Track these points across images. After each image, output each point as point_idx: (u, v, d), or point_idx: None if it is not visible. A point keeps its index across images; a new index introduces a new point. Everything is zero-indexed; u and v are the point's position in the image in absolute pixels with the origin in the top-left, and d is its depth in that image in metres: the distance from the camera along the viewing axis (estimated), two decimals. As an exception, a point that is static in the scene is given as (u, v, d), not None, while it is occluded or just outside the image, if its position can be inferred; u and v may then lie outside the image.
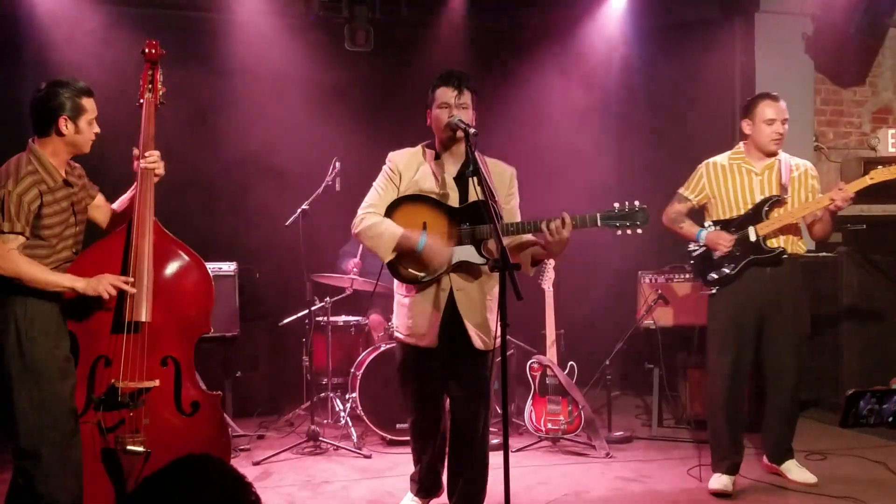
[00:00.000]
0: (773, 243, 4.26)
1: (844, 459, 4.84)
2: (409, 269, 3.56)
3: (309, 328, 5.47)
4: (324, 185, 5.28)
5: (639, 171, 6.58)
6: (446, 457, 3.80)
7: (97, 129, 3.38)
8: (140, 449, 3.28)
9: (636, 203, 3.42)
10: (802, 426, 5.50)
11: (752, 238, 4.24)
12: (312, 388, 5.44)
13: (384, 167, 3.71)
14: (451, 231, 3.53)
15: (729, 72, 6.75)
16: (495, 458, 3.76)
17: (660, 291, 5.50)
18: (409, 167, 3.65)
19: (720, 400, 4.33)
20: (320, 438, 5.07)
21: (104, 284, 3.25)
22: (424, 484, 3.93)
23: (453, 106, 3.52)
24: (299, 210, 5.17)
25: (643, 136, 6.82)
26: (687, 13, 6.80)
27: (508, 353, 5.42)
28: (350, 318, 5.85)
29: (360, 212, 3.64)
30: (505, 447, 3.14)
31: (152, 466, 3.30)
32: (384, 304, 6.03)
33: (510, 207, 3.67)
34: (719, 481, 4.28)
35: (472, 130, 3.35)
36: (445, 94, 3.55)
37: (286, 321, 5.83)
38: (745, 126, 4.37)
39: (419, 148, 3.73)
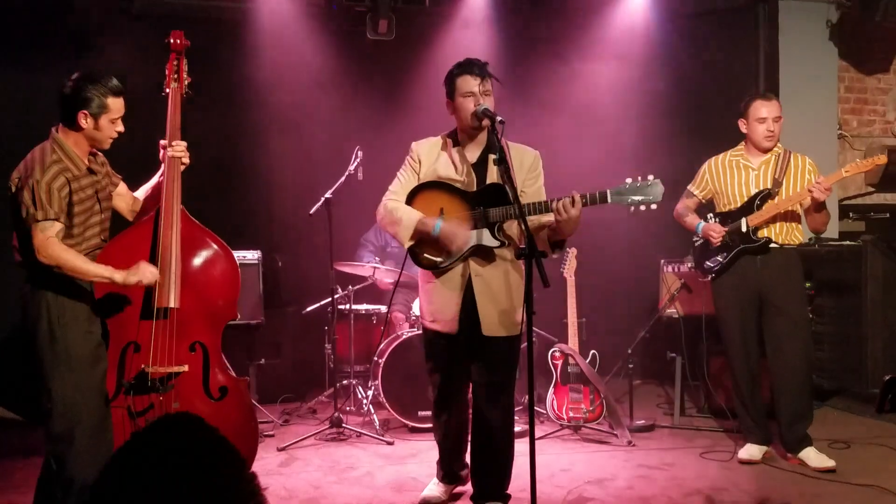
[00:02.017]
0: (761, 234, 4.54)
1: (868, 448, 4.83)
2: (428, 256, 3.59)
3: (332, 316, 5.50)
4: (346, 173, 5.30)
5: (662, 157, 6.55)
6: (470, 445, 3.83)
7: (120, 129, 3.40)
8: (170, 433, 3.32)
9: (650, 177, 3.38)
10: (825, 415, 5.54)
11: (744, 229, 4.54)
12: (335, 375, 5.48)
13: (407, 156, 3.75)
14: (467, 216, 3.56)
15: (752, 59, 6.72)
16: (519, 446, 3.81)
17: (683, 280, 5.50)
18: (429, 155, 3.70)
19: (737, 378, 4.68)
20: (343, 425, 5.11)
21: (143, 272, 3.28)
22: (449, 470, 3.96)
23: (479, 94, 3.53)
24: (322, 199, 5.19)
25: (666, 123, 6.78)
26: (712, 0, 6.76)
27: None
28: (371, 306, 5.88)
29: (383, 199, 3.69)
30: (531, 434, 3.16)
31: (182, 451, 3.35)
32: (405, 295, 6.07)
33: (534, 190, 3.67)
34: (748, 451, 4.61)
35: (499, 118, 3.36)
36: (468, 82, 3.55)
37: (309, 309, 5.86)
38: (741, 125, 4.65)
39: (441, 137, 3.76)
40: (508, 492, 3.77)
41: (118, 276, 3.25)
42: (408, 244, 3.58)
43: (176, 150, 3.55)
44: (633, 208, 3.36)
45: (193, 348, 3.51)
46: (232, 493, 1.19)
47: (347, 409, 5.55)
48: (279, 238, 6.37)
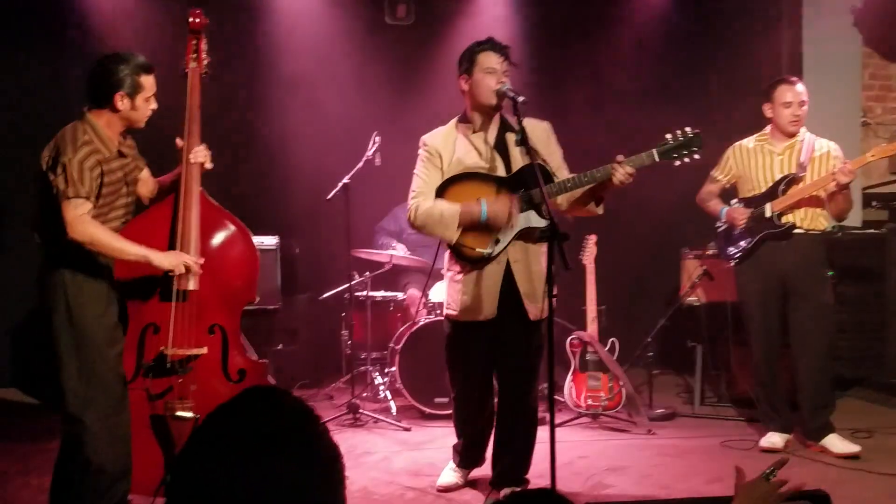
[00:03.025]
0: (786, 219, 4.48)
1: (891, 438, 4.76)
2: (477, 249, 3.51)
3: (349, 303, 5.48)
4: (364, 159, 5.26)
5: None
6: (493, 429, 3.79)
7: (154, 106, 3.38)
8: (189, 415, 3.31)
9: (688, 129, 3.39)
10: (847, 405, 5.46)
11: (767, 214, 4.49)
12: (353, 361, 5.46)
13: (420, 152, 3.66)
14: (506, 195, 3.51)
15: (776, 44, 6.62)
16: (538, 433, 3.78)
17: (705, 267, 5.44)
18: (446, 146, 3.61)
19: (760, 365, 4.65)
20: (360, 411, 5.09)
21: (181, 260, 3.27)
22: (467, 455, 3.93)
23: (500, 72, 3.48)
24: (340, 184, 5.16)
25: (687, 108, 6.70)
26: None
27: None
28: (388, 293, 5.85)
29: (411, 202, 3.60)
30: (551, 420, 3.13)
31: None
32: (420, 279, 6.04)
33: (557, 163, 3.62)
34: (769, 439, 4.57)
35: (521, 99, 3.31)
36: (490, 59, 3.50)
37: (326, 295, 5.84)
38: (766, 109, 4.60)
39: (451, 124, 3.68)
40: (526, 476, 3.74)
41: (154, 256, 3.23)
42: (455, 237, 3.50)
43: (197, 156, 3.49)
44: (678, 162, 3.34)
45: (212, 330, 3.49)
46: (315, 461, 1.18)
47: (364, 395, 5.54)
48: (295, 224, 6.35)
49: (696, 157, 3.37)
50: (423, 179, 3.60)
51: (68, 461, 3.27)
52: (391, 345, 5.46)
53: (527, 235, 3.54)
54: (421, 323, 5.29)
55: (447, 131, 3.64)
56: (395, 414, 5.16)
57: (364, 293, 5.59)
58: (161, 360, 3.36)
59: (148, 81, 3.33)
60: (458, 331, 3.70)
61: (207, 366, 3.45)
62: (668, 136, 3.39)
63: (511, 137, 3.54)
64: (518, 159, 3.54)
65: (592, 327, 5.21)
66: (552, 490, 1.48)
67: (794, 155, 4.51)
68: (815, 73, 6.48)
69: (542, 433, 3.62)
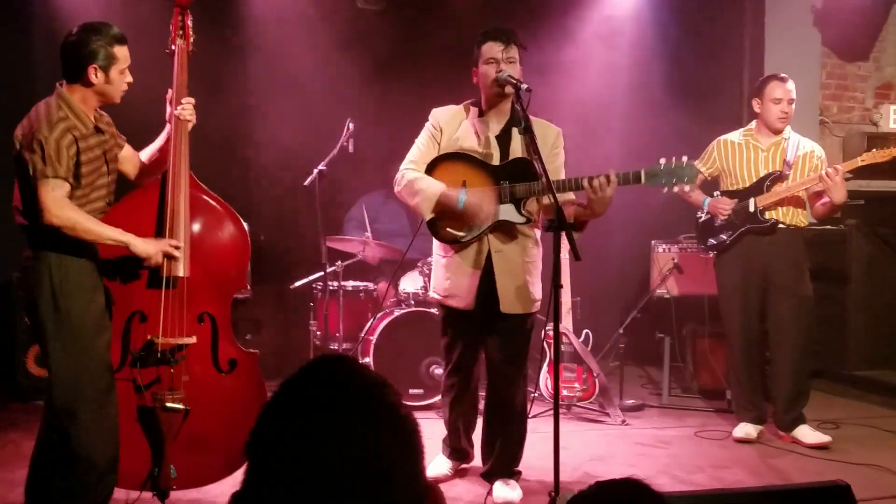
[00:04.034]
0: (770, 215, 4.56)
1: (857, 429, 4.90)
2: (449, 229, 3.49)
3: (323, 293, 5.37)
4: (339, 146, 5.16)
5: (646, 136, 6.54)
6: (482, 421, 3.77)
7: (129, 79, 3.23)
8: (180, 406, 3.19)
9: (683, 158, 3.35)
10: (811, 397, 5.58)
11: (751, 209, 4.55)
12: (323, 353, 5.36)
13: (427, 124, 3.63)
14: (491, 189, 3.46)
15: (739, 42, 6.75)
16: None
17: (675, 260, 5.50)
18: (450, 124, 3.58)
19: (737, 357, 4.71)
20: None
21: (161, 248, 3.14)
22: (457, 447, 3.89)
23: (501, 61, 3.44)
24: (316, 171, 5.05)
25: (652, 104, 6.78)
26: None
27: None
28: (359, 283, 5.77)
29: (401, 168, 3.56)
30: (555, 414, 3.13)
31: (191, 424, 3.23)
32: (391, 271, 5.97)
33: (554, 167, 3.60)
34: (743, 430, 4.62)
35: (523, 86, 3.28)
36: (492, 48, 3.46)
37: (298, 284, 5.73)
38: (755, 104, 4.66)
39: (462, 105, 3.66)
40: (518, 468, 3.73)
41: (136, 242, 3.09)
42: (429, 216, 3.47)
43: (184, 111, 3.38)
44: (666, 189, 3.32)
45: (202, 319, 3.37)
46: (397, 429, 1.18)
47: (335, 386, 5.44)
48: (259, 212, 6.20)
49: (686, 188, 3.34)
50: (420, 150, 3.59)
51: (52, 454, 3.11)
52: (363, 335, 5.38)
53: (506, 227, 3.51)
54: (396, 314, 5.23)
55: (457, 111, 3.61)
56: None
57: (335, 283, 5.49)
58: (149, 348, 3.23)
59: (122, 53, 3.17)
60: (445, 316, 3.69)
61: (196, 356, 3.33)
62: (662, 160, 3.34)
63: (516, 131, 3.51)
64: (517, 153, 3.51)
65: (568, 319, 5.22)
66: (637, 480, 1.45)
67: (779, 152, 4.59)
68: (775, 71, 6.61)
69: (534, 424, 3.64)
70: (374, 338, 5.16)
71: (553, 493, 3.15)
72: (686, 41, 6.76)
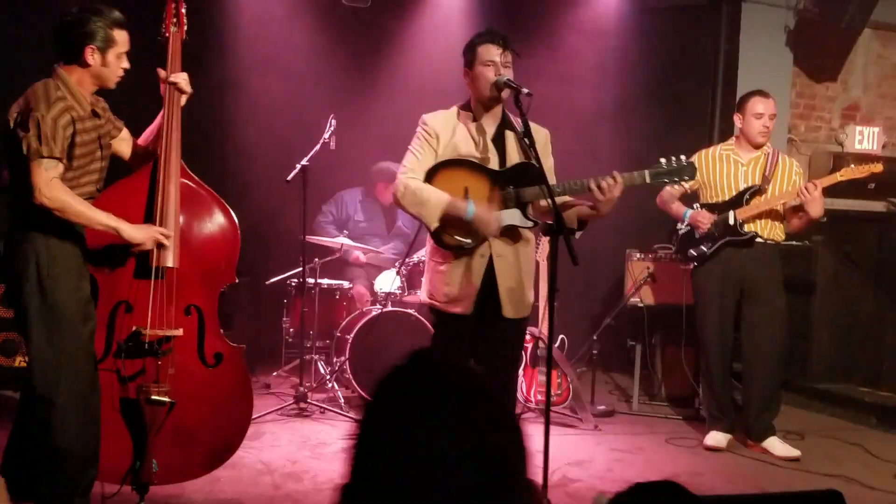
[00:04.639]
0: (749, 227, 4.64)
1: (822, 441, 5.01)
2: (456, 237, 3.45)
3: (302, 289, 5.33)
4: (321, 142, 5.13)
5: (620, 150, 6.61)
6: None
7: (126, 65, 3.18)
8: (166, 399, 3.13)
9: (682, 157, 3.44)
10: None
11: (731, 221, 4.63)
12: (300, 349, 5.32)
13: (419, 130, 3.57)
14: (493, 195, 3.44)
15: (713, 58, 6.86)
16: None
17: (650, 268, 5.57)
18: (445, 129, 3.52)
19: (709, 366, 4.78)
20: (308, 400, 4.96)
21: (152, 235, 3.08)
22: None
23: (499, 64, 3.43)
24: (299, 166, 4.99)
25: (626, 117, 6.86)
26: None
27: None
28: (334, 281, 5.72)
29: (400, 177, 3.49)
30: (546, 418, 3.14)
31: (175, 418, 3.18)
32: (368, 271, 5.95)
33: (546, 167, 3.61)
34: (714, 438, 4.70)
35: (525, 90, 3.28)
36: (490, 51, 3.45)
37: (273, 280, 5.67)
38: (737, 119, 4.76)
39: (453, 109, 3.62)
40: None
41: (125, 228, 3.03)
42: (434, 226, 3.42)
43: (178, 78, 3.32)
44: (668, 187, 3.37)
45: (188, 311, 3.32)
46: (506, 423, 1.15)
47: (307, 384, 5.39)
48: (238, 205, 6.10)
49: (686, 186, 3.41)
50: (417, 158, 3.51)
51: (30, 444, 3.04)
52: (339, 334, 5.34)
53: (511, 231, 3.51)
54: (374, 312, 5.20)
55: (448, 115, 3.57)
56: (342, 404, 5.06)
57: (312, 280, 5.45)
58: (136, 339, 3.18)
59: (121, 36, 3.13)
60: (440, 321, 3.65)
61: (182, 348, 3.29)
62: (663, 160, 3.41)
63: (510, 135, 3.51)
64: (514, 156, 3.51)
65: (544, 323, 5.25)
66: (675, 483, 1.46)
67: (758, 167, 4.68)
68: (748, 88, 6.72)
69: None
70: (350, 336, 5.12)
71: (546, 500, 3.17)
72: (662, 53, 6.85)
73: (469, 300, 3.48)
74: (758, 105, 4.63)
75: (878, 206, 6.65)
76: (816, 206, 4.45)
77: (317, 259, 5.48)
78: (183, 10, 3.51)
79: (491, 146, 3.51)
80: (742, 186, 4.66)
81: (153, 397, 3.12)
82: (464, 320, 3.53)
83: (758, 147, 4.70)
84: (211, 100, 6.15)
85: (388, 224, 6.15)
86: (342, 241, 5.60)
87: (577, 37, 6.74)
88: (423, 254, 5.65)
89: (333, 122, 5.16)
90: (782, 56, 6.98)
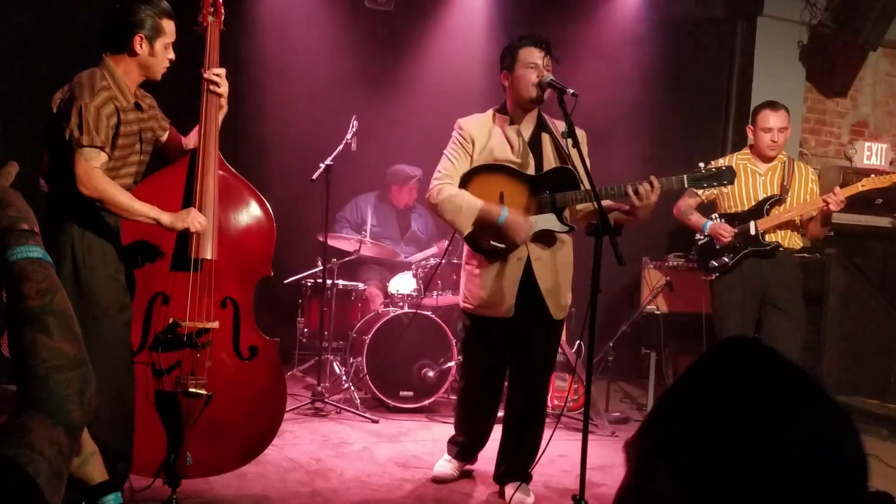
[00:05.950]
0: (771, 238, 4.63)
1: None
2: (490, 241, 3.45)
3: (319, 290, 5.32)
4: (344, 142, 5.12)
5: (630, 161, 6.63)
6: (503, 425, 3.76)
7: (172, 56, 3.16)
8: (203, 392, 3.10)
9: (721, 161, 3.44)
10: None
11: (752, 232, 4.62)
12: (315, 349, 5.30)
13: (454, 134, 3.58)
14: (530, 200, 3.45)
15: (728, 71, 6.92)
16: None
17: (668, 278, 5.58)
18: (481, 134, 3.54)
19: None
20: (326, 400, 4.94)
21: (193, 218, 3.05)
22: (467, 448, 3.87)
23: (542, 66, 3.45)
24: (322, 165, 4.98)
25: (639, 130, 6.88)
26: (695, 10, 6.93)
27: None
28: (349, 282, 5.70)
29: (434, 182, 3.50)
30: (585, 423, 3.13)
31: (212, 411, 3.14)
32: (380, 272, 5.93)
33: (582, 173, 3.61)
34: None
35: (570, 91, 3.28)
36: (532, 54, 3.47)
37: (290, 280, 5.64)
38: (749, 131, 4.78)
39: (489, 112, 3.63)
40: (531, 472, 3.73)
41: (165, 218, 3.01)
42: (468, 231, 3.42)
43: (212, 75, 3.28)
44: (704, 191, 3.38)
45: (224, 304, 3.30)
46: (842, 417, 0.97)
47: (322, 384, 5.36)
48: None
49: (725, 190, 3.41)
50: (453, 163, 3.51)
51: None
52: (354, 335, 5.32)
53: (548, 234, 3.51)
54: (391, 314, 5.18)
55: (485, 119, 3.57)
56: (359, 405, 5.03)
57: (329, 281, 5.43)
58: (173, 331, 3.14)
59: (169, 27, 3.11)
60: (475, 325, 3.64)
61: (218, 341, 3.25)
62: (702, 164, 3.41)
63: (546, 137, 3.53)
64: (550, 160, 3.52)
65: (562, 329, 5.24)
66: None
67: (776, 176, 4.69)
68: (761, 101, 6.80)
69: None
70: (368, 338, 5.10)
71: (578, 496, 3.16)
72: (676, 66, 6.89)
73: (509, 304, 3.48)
74: (768, 118, 4.61)
75: (884, 221, 6.74)
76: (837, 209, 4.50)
77: (334, 259, 5.46)
78: (220, 0, 3.49)
79: (528, 149, 3.52)
80: (761, 196, 4.66)
81: (191, 390, 3.08)
82: (497, 323, 3.52)
83: (768, 160, 4.69)
84: (232, 99, 6.14)
85: (401, 229, 6.14)
86: (365, 235, 5.56)
87: (594, 47, 6.76)
88: (433, 255, 5.68)
89: (356, 123, 5.15)
90: (796, 71, 7.06)
